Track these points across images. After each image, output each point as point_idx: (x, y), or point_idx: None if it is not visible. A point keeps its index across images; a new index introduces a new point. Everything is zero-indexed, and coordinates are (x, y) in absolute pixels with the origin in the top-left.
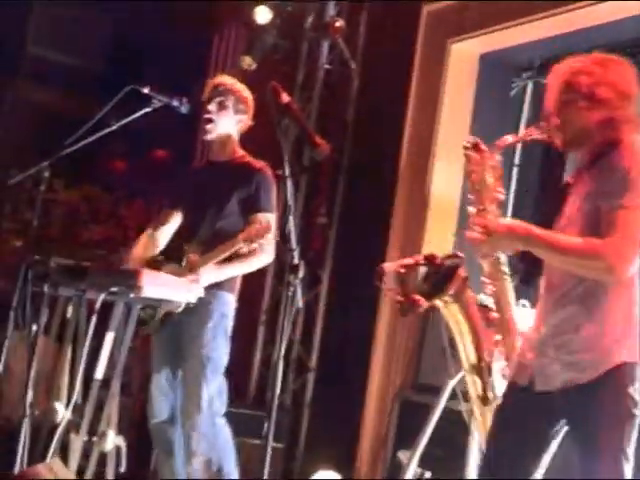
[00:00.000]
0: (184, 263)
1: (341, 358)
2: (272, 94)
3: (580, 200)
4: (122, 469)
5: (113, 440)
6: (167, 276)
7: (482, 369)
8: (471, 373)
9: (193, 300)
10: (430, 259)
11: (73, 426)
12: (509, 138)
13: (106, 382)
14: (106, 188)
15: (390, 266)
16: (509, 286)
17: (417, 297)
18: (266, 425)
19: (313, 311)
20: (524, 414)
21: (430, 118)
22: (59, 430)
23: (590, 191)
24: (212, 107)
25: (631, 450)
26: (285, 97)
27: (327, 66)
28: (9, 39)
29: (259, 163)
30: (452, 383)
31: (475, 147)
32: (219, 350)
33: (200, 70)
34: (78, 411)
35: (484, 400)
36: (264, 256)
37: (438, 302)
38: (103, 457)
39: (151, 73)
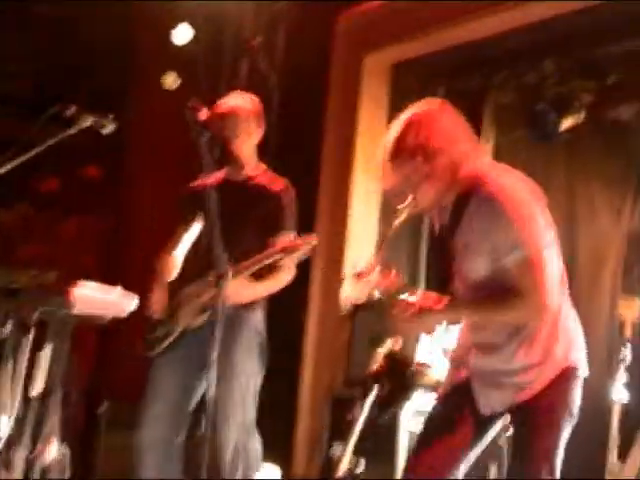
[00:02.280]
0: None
1: (274, 357)
2: (191, 112)
3: (467, 256)
4: (66, 477)
5: (57, 449)
6: (97, 290)
7: None
8: None
9: (129, 309)
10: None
11: (15, 440)
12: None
13: (48, 394)
14: (39, 207)
15: None
16: None
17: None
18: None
19: None
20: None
21: (349, 127)
22: (0, 445)
23: (476, 246)
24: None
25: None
26: (203, 114)
27: (247, 81)
28: None
29: (279, 183)
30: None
31: (359, 275)
32: (253, 369)
33: (124, 88)
34: (19, 425)
35: None
36: (286, 274)
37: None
38: (48, 466)
39: (78, 93)
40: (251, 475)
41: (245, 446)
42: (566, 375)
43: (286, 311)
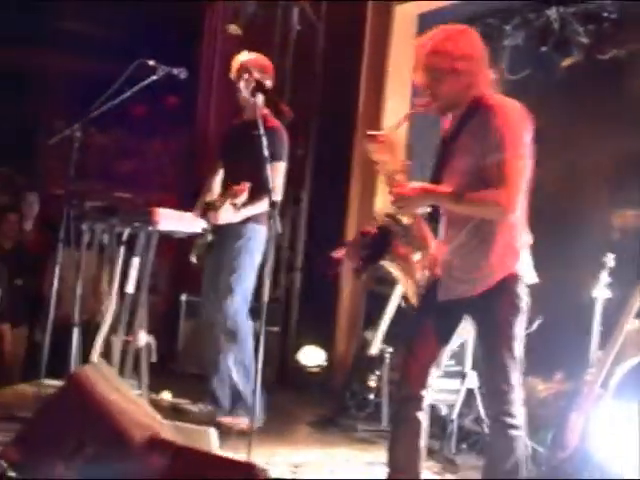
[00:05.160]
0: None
1: (321, 258)
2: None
3: (461, 154)
4: (153, 359)
5: (145, 338)
6: (176, 213)
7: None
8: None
9: (198, 230)
10: (367, 233)
11: (113, 329)
12: (402, 118)
13: (138, 293)
14: (131, 130)
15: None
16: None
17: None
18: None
19: (297, 222)
20: (437, 310)
21: (381, 67)
22: (102, 333)
23: (469, 147)
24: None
25: (522, 333)
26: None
27: (298, 27)
28: (46, 15)
29: (275, 122)
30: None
31: (373, 138)
32: (244, 264)
33: (197, 35)
34: (116, 317)
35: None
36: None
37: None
38: (139, 350)
39: (159, 40)
40: (247, 340)
41: (236, 330)
42: (513, 279)
43: (330, 221)
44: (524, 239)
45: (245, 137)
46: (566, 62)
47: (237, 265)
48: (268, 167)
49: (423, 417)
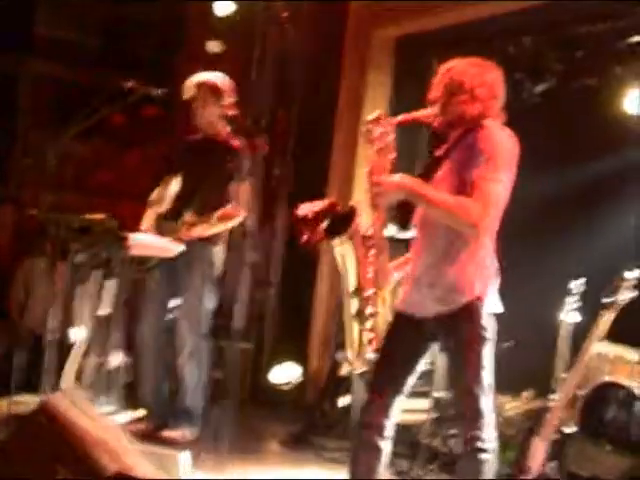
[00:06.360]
0: (180, 222)
1: (295, 276)
2: None
3: (448, 171)
4: (128, 379)
5: (119, 358)
6: (150, 238)
7: (361, 293)
8: (351, 297)
9: (171, 255)
10: (332, 207)
11: (87, 349)
12: (399, 117)
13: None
14: (109, 140)
15: (302, 210)
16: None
17: (320, 234)
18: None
19: (272, 238)
20: (405, 332)
21: (359, 88)
22: (73, 354)
23: (456, 165)
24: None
25: (490, 366)
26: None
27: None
28: (21, 21)
29: (238, 142)
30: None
31: (377, 120)
32: (210, 287)
33: (178, 47)
34: (90, 338)
35: (360, 316)
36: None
37: (336, 239)
38: (112, 372)
39: (139, 53)
40: (201, 373)
41: (197, 349)
42: (478, 306)
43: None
44: (493, 267)
45: (208, 156)
46: (539, 89)
47: (207, 289)
48: (239, 187)
49: (384, 445)
